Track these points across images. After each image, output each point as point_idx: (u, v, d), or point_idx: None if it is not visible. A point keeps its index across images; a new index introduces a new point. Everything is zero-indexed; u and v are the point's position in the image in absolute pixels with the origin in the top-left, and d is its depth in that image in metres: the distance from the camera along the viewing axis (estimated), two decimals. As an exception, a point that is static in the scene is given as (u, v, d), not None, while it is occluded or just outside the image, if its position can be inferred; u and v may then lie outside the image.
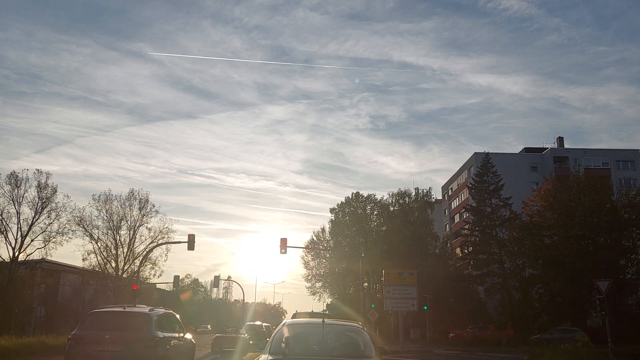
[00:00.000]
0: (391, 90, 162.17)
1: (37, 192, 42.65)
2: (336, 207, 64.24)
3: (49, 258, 45.11)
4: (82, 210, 49.37)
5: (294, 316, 9.00)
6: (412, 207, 57.99)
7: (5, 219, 41.63)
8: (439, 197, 79.36)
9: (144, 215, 52.92)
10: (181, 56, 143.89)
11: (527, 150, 71.34)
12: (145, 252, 50.36)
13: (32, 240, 42.31)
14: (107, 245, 51.51)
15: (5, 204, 41.67)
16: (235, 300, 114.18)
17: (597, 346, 21.33)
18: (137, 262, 50.16)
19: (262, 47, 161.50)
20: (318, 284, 65.28)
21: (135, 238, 52.83)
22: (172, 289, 71.28)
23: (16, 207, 41.90)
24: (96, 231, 50.89)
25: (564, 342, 21.61)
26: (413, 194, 59.15)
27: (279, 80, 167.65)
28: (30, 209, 42.39)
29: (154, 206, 53.58)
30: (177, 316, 13.11)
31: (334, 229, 63.14)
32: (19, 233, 41.88)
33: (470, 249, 52.45)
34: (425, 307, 35.28)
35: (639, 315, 41.56)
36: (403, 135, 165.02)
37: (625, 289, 40.40)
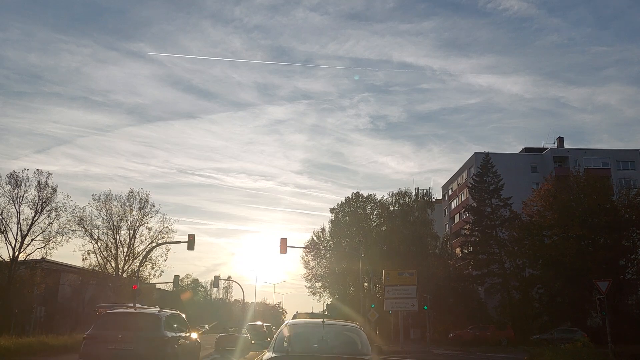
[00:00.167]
0: (391, 90, 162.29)
1: (37, 192, 42.71)
2: (336, 207, 64.31)
3: (49, 258, 45.12)
4: (82, 210, 49.42)
5: (294, 317, 9.29)
6: (412, 207, 57.99)
7: (5, 219, 41.69)
8: (439, 197, 79.41)
9: (144, 215, 52.96)
10: (181, 56, 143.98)
11: (527, 150, 71.34)
12: (145, 252, 50.37)
13: (32, 240, 42.38)
14: (107, 245, 51.54)
15: (5, 204, 41.74)
16: (235, 300, 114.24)
17: (597, 346, 21.33)
18: (137, 262, 50.17)
19: (262, 47, 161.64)
20: (318, 284, 65.30)
21: (135, 238, 52.86)
22: (172, 289, 71.29)
23: (16, 206, 41.96)
24: (96, 231, 50.93)
25: (564, 342, 21.63)
26: (413, 194, 59.21)
27: (279, 81, 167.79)
28: (30, 208, 42.45)
29: (154, 206, 53.62)
30: (184, 316, 13.64)
31: (334, 229, 63.14)
32: (19, 233, 41.94)
33: (470, 249, 52.45)
34: (425, 307, 35.26)
35: (639, 316, 41.53)
36: (403, 135, 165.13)
37: (625, 289, 40.37)
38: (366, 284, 51.02)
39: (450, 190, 78.75)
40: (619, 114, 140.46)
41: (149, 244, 51.75)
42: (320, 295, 66.42)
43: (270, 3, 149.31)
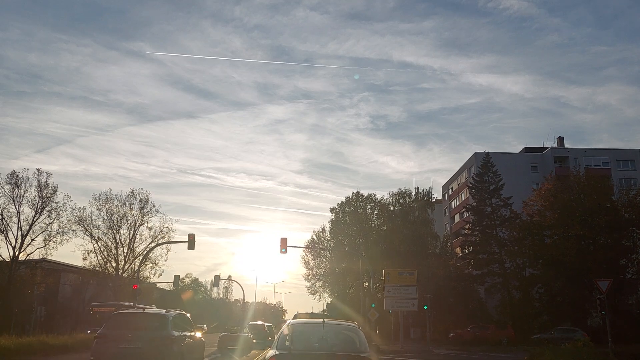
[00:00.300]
0: (391, 90, 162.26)
1: (38, 192, 42.73)
2: (336, 206, 64.25)
3: (49, 257, 45.13)
4: (82, 210, 49.44)
5: (295, 317, 9.58)
6: (413, 207, 57.95)
7: (6, 219, 41.70)
8: (439, 196, 79.37)
9: (144, 214, 52.99)
10: (181, 56, 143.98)
11: (527, 150, 71.29)
12: (145, 252, 50.38)
13: (32, 240, 42.41)
14: (107, 245, 51.57)
15: (6, 204, 41.75)
16: (235, 299, 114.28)
17: (598, 346, 21.31)
18: (137, 261, 50.19)
19: (262, 47, 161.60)
20: (318, 284, 65.28)
21: (135, 238, 52.89)
22: (172, 289, 71.29)
23: (16, 206, 41.98)
24: (96, 231, 50.96)
25: (565, 341, 21.59)
26: (413, 193, 59.16)
27: (279, 80, 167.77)
28: (31, 208, 42.46)
29: (154, 206, 53.67)
30: (189, 316, 14.24)
31: (334, 229, 63.10)
32: (19, 232, 41.97)
33: (471, 248, 52.42)
34: (426, 307, 35.23)
35: (639, 315, 41.51)
36: (403, 135, 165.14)
37: (625, 288, 40.34)
38: (366, 284, 51.00)
39: (450, 190, 78.73)
40: (619, 113, 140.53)
41: (149, 243, 51.78)
42: (320, 295, 66.49)
43: (270, 2, 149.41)
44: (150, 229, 53.11)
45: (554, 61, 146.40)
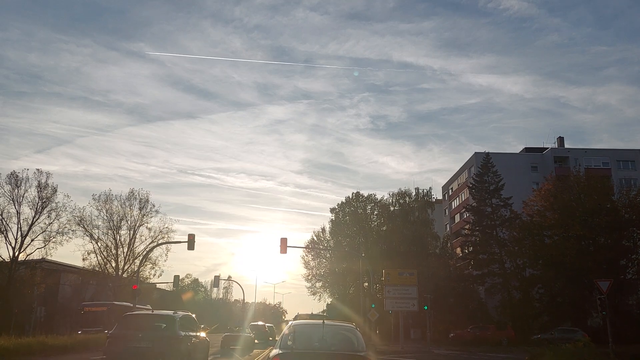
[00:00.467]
0: (391, 90, 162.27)
1: (37, 192, 42.77)
2: (336, 207, 64.20)
3: (49, 258, 45.12)
4: (82, 210, 49.47)
5: (295, 317, 10.13)
6: (413, 207, 57.90)
7: (5, 219, 41.73)
8: (439, 197, 79.33)
9: (144, 215, 53.01)
10: (181, 56, 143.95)
11: (527, 150, 71.25)
12: (145, 252, 50.37)
13: (32, 240, 42.46)
14: (107, 245, 51.58)
15: (5, 204, 41.77)
16: (235, 300, 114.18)
17: (598, 346, 21.24)
18: (137, 262, 50.19)
19: (262, 47, 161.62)
20: (318, 284, 65.22)
21: (135, 238, 52.91)
22: (172, 289, 71.25)
23: (16, 207, 42.02)
24: (96, 231, 50.97)
25: (565, 342, 21.52)
26: (413, 193, 59.12)
27: (279, 80, 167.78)
28: (31, 208, 42.48)
29: (154, 206, 53.71)
30: (194, 317, 14.92)
31: (334, 229, 63.05)
32: (19, 233, 42.00)
33: (471, 249, 52.38)
34: (426, 307, 35.19)
35: (639, 316, 41.47)
36: (403, 135, 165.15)
37: (625, 289, 40.28)
38: (366, 284, 50.97)
39: (450, 190, 78.70)
40: (619, 113, 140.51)
41: (149, 244, 51.79)
42: (320, 295, 66.41)
43: (270, 3, 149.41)
44: (150, 229, 53.17)
45: (554, 61, 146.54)
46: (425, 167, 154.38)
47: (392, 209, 59.67)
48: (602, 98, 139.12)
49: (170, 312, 13.66)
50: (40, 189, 42.78)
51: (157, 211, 53.51)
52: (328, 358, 7.13)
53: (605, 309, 20.97)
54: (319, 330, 7.58)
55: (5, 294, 39.90)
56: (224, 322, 72.77)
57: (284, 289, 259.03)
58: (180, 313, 13.74)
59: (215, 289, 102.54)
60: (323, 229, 65.65)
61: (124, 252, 52.32)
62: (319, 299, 67.60)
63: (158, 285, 65.68)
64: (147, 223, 53.04)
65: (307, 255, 64.95)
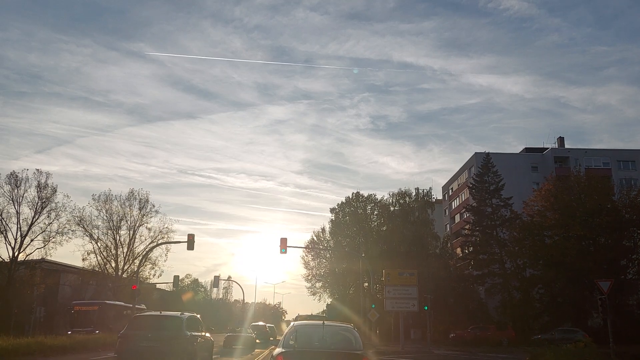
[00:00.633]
0: (391, 90, 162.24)
1: (37, 192, 42.69)
2: (336, 207, 64.13)
3: (48, 258, 45.05)
4: (82, 210, 49.43)
5: (296, 318, 11.35)
6: (413, 207, 57.80)
7: (5, 219, 41.65)
8: (440, 197, 79.26)
9: (144, 215, 52.99)
10: (181, 56, 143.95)
11: (527, 150, 71.18)
12: (145, 252, 50.30)
13: (31, 240, 42.39)
14: (107, 245, 51.55)
15: (5, 204, 41.70)
16: (235, 300, 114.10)
17: (599, 346, 21.18)
18: (137, 262, 50.12)
19: (262, 47, 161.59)
20: (318, 284, 65.15)
21: (135, 238, 52.88)
22: (172, 289, 71.20)
23: (16, 207, 41.97)
24: (96, 231, 50.94)
25: (565, 342, 21.50)
26: (413, 194, 59.00)
27: (279, 81, 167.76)
28: (30, 208, 42.42)
29: (153, 206, 53.70)
30: (199, 317, 15.63)
31: (334, 229, 62.97)
32: (19, 233, 41.94)
33: (471, 249, 52.31)
34: (426, 308, 35.09)
35: (640, 316, 41.44)
36: (403, 135, 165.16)
37: (626, 289, 40.20)
38: (366, 284, 50.88)
39: (450, 190, 78.63)
40: (619, 114, 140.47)
41: (149, 244, 51.74)
42: (320, 296, 66.33)
43: (271, 3, 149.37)
44: (149, 229, 53.15)
45: (554, 61, 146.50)
46: (426, 167, 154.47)
47: (392, 209, 59.58)
48: (602, 98, 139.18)
49: (178, 313, 14.41)
50: (40, 189, 42.76)
51: (157, 211, 53.55)
52: (328, 356, 7.62)
53: (606, 310, 20.88)
54: (319, 331, 8.11)
55: (5, 294, 39.83)
56: (224, 322, 72.74)
57: (284, 289, 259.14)
58: (187, 314, 14.46)
59: (215, 289, 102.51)
60: (323, 229, 65.66)
61: (123, 252, 52.30)
62: (319, 299, 67.60)
63: (158, 286, 65.63)
64: (147, 223, 53.06)
65: (307, 256, 64.92)
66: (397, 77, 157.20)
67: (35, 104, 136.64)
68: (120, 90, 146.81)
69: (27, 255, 42.39)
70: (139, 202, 52.83)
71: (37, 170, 43.47)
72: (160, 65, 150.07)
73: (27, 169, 53.33)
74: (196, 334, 14.31)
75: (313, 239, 66.07)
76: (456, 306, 49.01)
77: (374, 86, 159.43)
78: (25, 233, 41.94)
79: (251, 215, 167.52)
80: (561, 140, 70.11)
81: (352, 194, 64.72)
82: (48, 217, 43.19)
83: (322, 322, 8.58)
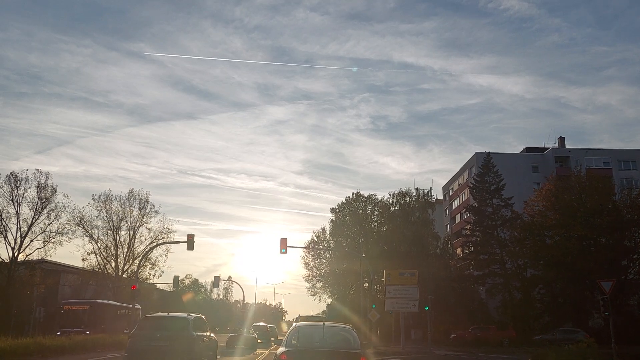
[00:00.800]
0: (392, 90, 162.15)
1: (37, 192, 42.56)
2: (337, 207, 63.99)
3: (48, 258, 44.97)
4: (81, 211, 49.32)
5: (297, 319, 12.05)
6: (413, 207, 57.66)
7: (5, 219, 41.53)
8: (440, 197, 79.12)
9: (144, 215, 52.90)
10: (181, 56, 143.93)
11: (528, 150, 71.07)
12: (145, 252, 50.20)
13: (31, 241, 42.26)
14: (107, 246, 51.44)
15: (5, 204, 41.58)
16: (235, 300, 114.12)
17: (600, 347, 21.11)
18: (137, 262, 50.03)
19: (263, 48, 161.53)
20: (318, 285, 65.02)
21: (135, 238, 52.77)
22: (172, 290, 71.11)
23: (16, 207, 41.84)
24: (96, 231, 50.85)
25: (567, 342, 21.39)
26: (414, 194, 58.83)
27: (280, 81, 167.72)
28: (30, 209, 42.31)
29: (153, 206, 53.58)
30: (204, 318, 16.29)
31: (334, 229, 62.85)
32: (19, 233, 41.81)
33: (471, 249, 52.18)
34: (427, 308, 34.98)
35: (641, 316, 41.31)
36: (403, 135, 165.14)
37: (627, 289, 40.08)
38: (367, 285, 50.77)
39: (451, 191, 78.52)
40: (619, 114, 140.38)
41: (149, 244, 51.62)
42: (320, 296, 66.20)
43: (271, 3, 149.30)
44: (149, 229, 53.06)
45: (554, 62, 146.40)
46: (426, 168, 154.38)
47: (392, 209, 59.44)
48: (602, 98, 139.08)
49: (184, 315, 15.03)
50: (40, 189, 42.63)
51: (157, 211, 53.46)
52: (328, 355, 8.15)
53: (608, 310, 20.78)
54: (319, 331, 8.70)
55: (5, 294, 39.73)
56: (224, 322, 72.61)
57: (284, 290, 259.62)
58: (193, 315, 15.11)
59: (215, 290, 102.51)
60: (323, 230, 65.53)
61: (123, 253, 52.21)
62: (319, 300, 67.47)
63: (158, 286, 65.63)
64: (147, 223, 52.98)
65: (307, 256, 64.80)
66: (397, 78, 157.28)
67: (36, 104, 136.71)
68: (120, 90, 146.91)
69: (27, 256, 42.32)
70: (139, 202, 52.80)
71: (37, 170, 43.38)
72: (161, 66, 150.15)
73: (27, 169, 52.40)
74: (202, 334, 14.93)
75: (313, 239, 66.00)
76: (457, 306, 48.88)
77: (374, 86, 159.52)
78: (25, 233, 41.86)
79: (251, 216, 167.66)
80: (562, 140, 70.00)
81: (353, 194, 64.65)
82: (48, 217, 43.13)
83: (322, 322, 9.12)
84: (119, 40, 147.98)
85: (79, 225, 48.41)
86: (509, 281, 45.47)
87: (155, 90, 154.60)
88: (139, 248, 52.80)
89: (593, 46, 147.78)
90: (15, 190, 41.83)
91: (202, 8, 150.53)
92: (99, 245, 50.76)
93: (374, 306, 34.35)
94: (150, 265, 52.23)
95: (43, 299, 46.56)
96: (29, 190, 42.26)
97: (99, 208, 51.07)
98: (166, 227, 53.18)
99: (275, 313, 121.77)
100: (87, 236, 49.96)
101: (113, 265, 51.57)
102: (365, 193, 64.19)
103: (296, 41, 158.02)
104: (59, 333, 28.62)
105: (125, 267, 51.96)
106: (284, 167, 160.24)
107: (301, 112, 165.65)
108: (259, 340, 33.87)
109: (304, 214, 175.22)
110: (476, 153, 66.09)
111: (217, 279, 64.38)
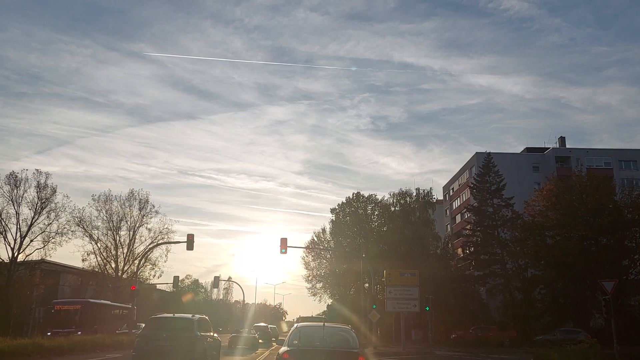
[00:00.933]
0: (392, 90, 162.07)
1: (37, 193, 42.46)
2: (337, 207, 63.92)
3: (48, 259, 44.87)
4: (81, 211, 49.25)
5: (297, 320, 12.17)
6: (413, 208, 57.56)
7: (4, 220, 41.43)
8: (440, 197, 78.98)
9: (144, 215, 52.82)
10: (181, 57, 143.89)
11: (528, 150, 70.94)
12: (144, 253, 50.10)
13: (31, 241, 42.17)
14: (106, 246, 51.35)
15: (5, 204, 41.49)
16: (235, 301, 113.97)
17: (601, 347, 21.01)
18: (137, 262, 49.95)
19: (263, 48, 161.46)
20: (319, 285, 64.93)
21: (135, 238, 52.67)
22: (172, 290, 71.00)
23: (15, 207, 41.76)
24: (96, 232, 50.75)
25: (568, 343, 21.33)
26: (414, 194, 58.76)
27: (280, 81, 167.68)
28: (30, 209, 42.22)
29: (153, 206, 53.50)
30: (207, 318, 16.86)
31: (334, 229, 62.75)
32: (18, 233, 41.72)
33: (472, 249, 52.04)
34: (427, 308, 34.88)
35: (642, 316, 41.18)
36: (404, 135, 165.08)
37: (628, 289, 39.95)
38: (367, 285, 50.65)
39: (451, 191, 78.38)
40: (619, 114, 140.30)
41: (149, 244, 51.51)
42: (320, 296, 66.11)
43: (271, 3, 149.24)
44: (149, 229, 52.96)
45: (554, 62, 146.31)
46: (426, 168, 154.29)
47: (392, 209, 59.34)
48: (602, 98, 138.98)
49: (189, 315, 15.61)
50: (40, 189, 42.54)
51: (156, 212, 53.39)
52: (328, 354, 8.50)
53: (610, 310, 20.68)
54: (320, 331, 9.07)
55: (4, 294, 39.64)
56: (224, 323, 72.54)
57: (284, 290, 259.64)
58: (197, 316, 15.66)
59: (215, 290, 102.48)
60: (323, 230, 65.48)
61: (123, 253, 52.11)
62: (320, 300, 67.39)
63: (158, 286, 65.52)
64: (147, 224, 52.89)
65: (307, 256, 64.74)
66: (397, 78, 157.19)
67: (36, 104, 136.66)
68: (120, 90, 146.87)
69: (26, 256, 42.24)
70: (139, 202, 52.73)
71: (37, 170, 43.28)
72: (161, 66, 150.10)
73: (27, 169, 51.78)
74: (206, 334, 15.51)
75: (313, 239, 65.94)
76: (457, 307, 48.75)
77: (374, 86, 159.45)
78: (24, 233, 41.77)
79: (251, 216, 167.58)
80: (562, 140, 69.86)
81: (353, 194, 64.57)
82: (48, 217, 43.04)
83: (322, 323, 9.51)
84: (119, 40, 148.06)
85: (78, 225, 48.38)
86: (510, 281, 45.35)
87: (155, 90, 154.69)
88: (139, 248, 52.78)
89: (593, 46, 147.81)
90: (15, 191, 41.79)
91: (202, 8, 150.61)
92: (98, 245, 50.73)
93: (374, 306, 34.26)
94: (150, 266, 52.18)
95: (43, 299, 46.45)
96: (28, 190, 42.24)
97: (99, 208, 51.05)
98: (166, 228, 53.14)
99: (275, 313, 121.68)
100: (87, 236, 49.93)
101: (113, 265, 51.48)
102: (366, 193, 64.21)
103: (296, 41, 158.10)
104: (49, 333, 27.96)
105: (125, 268, 51.87)
106: (284, 167, 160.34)
107: (301, 112, 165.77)
108: (260, 340, 34.46)
109: (304, 214, 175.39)
110: (476, 153, 65.96)
111: (217, 280, 64.28)
